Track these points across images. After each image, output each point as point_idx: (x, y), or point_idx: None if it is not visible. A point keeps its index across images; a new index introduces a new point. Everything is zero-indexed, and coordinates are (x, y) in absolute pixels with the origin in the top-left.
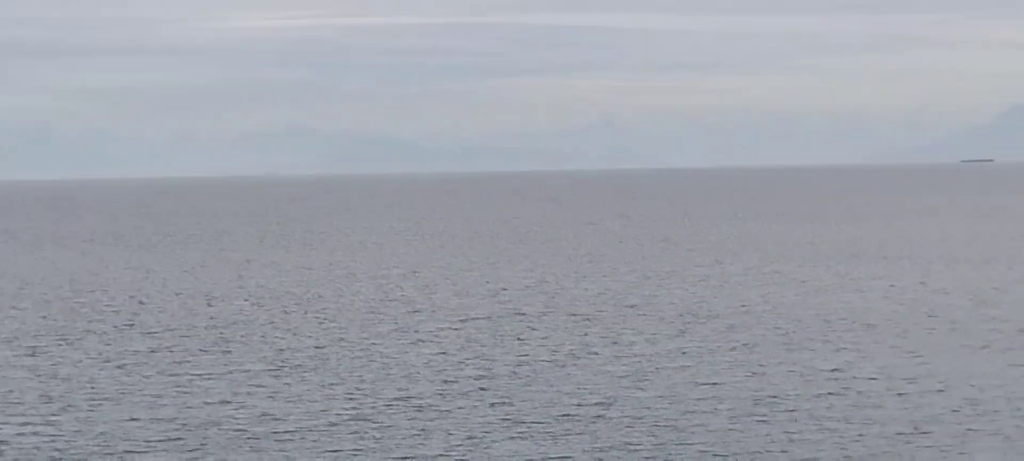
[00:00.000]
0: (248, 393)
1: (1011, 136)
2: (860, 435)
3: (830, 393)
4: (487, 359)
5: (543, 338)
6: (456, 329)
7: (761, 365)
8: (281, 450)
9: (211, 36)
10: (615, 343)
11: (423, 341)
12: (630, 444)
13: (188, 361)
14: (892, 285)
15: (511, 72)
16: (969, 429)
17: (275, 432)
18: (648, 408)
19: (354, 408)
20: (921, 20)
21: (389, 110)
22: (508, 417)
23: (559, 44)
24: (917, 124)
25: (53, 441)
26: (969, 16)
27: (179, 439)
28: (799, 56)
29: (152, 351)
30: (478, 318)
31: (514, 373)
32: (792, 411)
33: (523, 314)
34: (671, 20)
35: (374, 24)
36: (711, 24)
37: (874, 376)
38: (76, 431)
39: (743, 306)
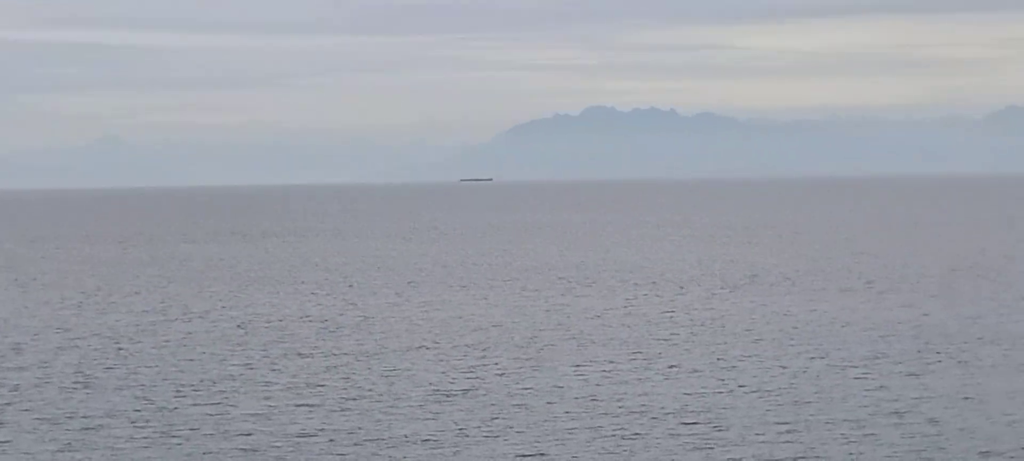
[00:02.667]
0: None
1: (511, 155)
2: None
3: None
4: None
5: None
6: None
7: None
8: None
9: None
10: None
11: None
12: None
13: None
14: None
15: (11, 88)
16: None
17: None
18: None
19: None
20: (428, 40)
21: None
22: None
23: (62, 61)
24: (423, 143)
25: None
26: (473, 37)
27: None
28: (310, 75)
29: None
30: None
31: None
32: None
33: None
34: (181, 38)
35: None
36: (222, 42)
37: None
38: None
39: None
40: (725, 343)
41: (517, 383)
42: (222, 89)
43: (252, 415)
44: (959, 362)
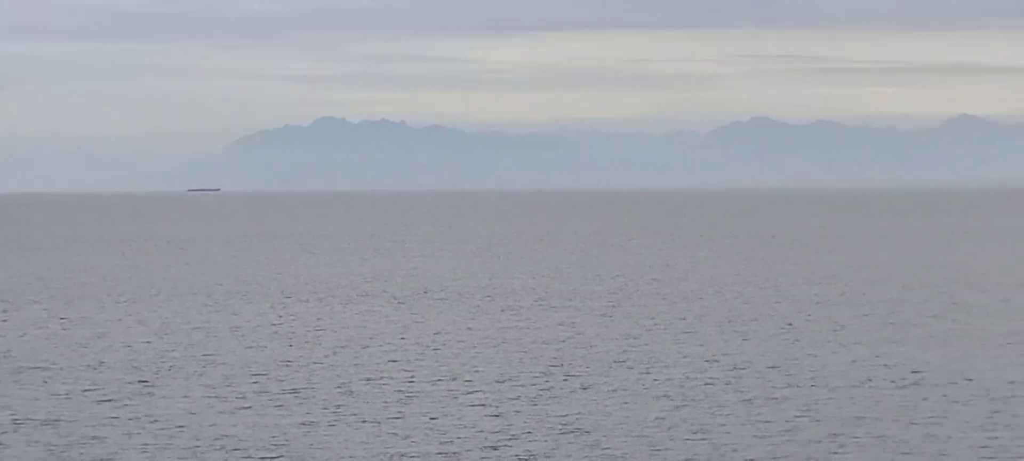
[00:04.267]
0: None
1: (239, 166)
2: None
3: None
4: None
5: None
6: None
7: None
8: None
9: None
10: None
11: None
12: None
13: None
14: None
15: None
16: None
17: None
18: None
19: None
20: (156, 48)
21: None
22: None
23: None
24: (150, 152)
25: None
26: (201, 45)
27: None
28: (33, 80)
29: None
30: None
31: None
32: None
33: None
34: None
35: None
36: None
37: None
38: None
39: None
40: (359, 364)
41: (114, 411)
42: None
43: None
44: (585, 387)
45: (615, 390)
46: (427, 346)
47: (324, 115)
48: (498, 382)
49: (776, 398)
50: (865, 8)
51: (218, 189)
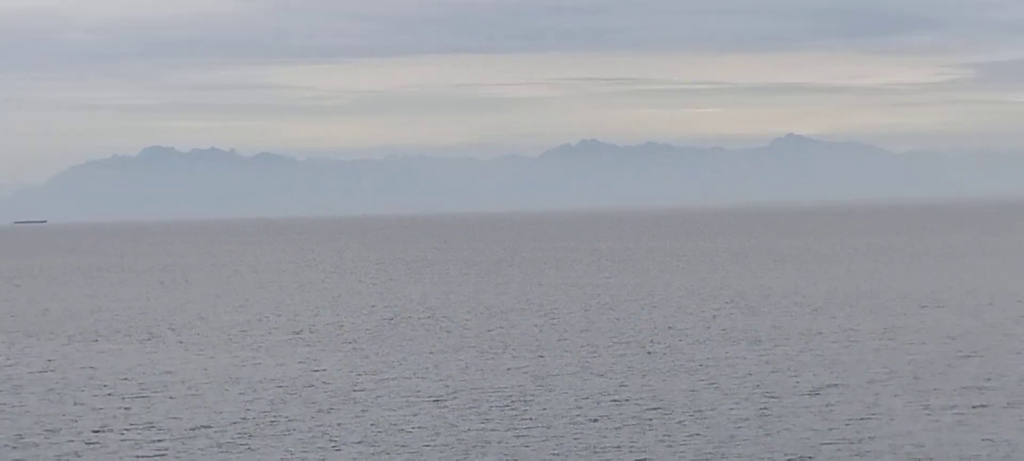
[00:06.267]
0: None
1: (66, 197)
2: None
3: None
4: None
5: None
6: None
7: None
8: None
9: None
10: None
11: None
12: None
13: None
14: None
15: None
16: None
17: None
18: None
19: None
20: None
21: None
22: None
23: None
24: None
25: None
26: (26, 76)
27: None
28: None
29: None
30: None
31: None
32: None
33: None
34: None
35: None
36: None
37: None
38: None
39: None
40: (49, 410)
41: None
42: None
43: None
44: (291, 430)
45: (323, 434)
46: (145, 388)
47: (152, 144)
48: (203, 427)
49: (492, 439)
50: (687, 31)
51: (45, 221)
